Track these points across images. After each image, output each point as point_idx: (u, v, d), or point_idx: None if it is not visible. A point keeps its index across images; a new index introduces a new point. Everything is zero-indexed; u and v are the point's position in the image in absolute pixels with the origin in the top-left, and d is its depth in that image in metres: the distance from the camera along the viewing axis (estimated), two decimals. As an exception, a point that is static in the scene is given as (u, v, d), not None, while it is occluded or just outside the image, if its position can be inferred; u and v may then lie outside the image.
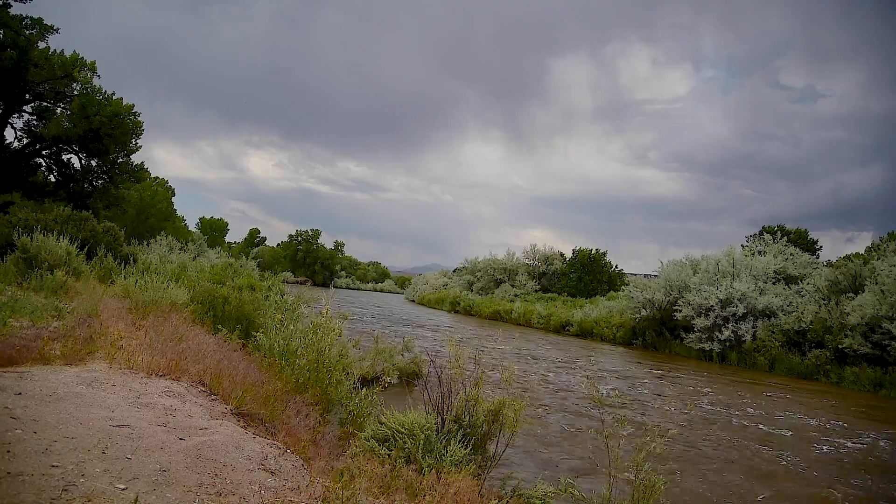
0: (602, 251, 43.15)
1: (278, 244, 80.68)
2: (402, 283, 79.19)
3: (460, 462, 4.58)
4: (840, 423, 11.35)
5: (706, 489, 6.84)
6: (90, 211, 19.73)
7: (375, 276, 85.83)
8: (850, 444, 9.60)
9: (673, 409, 11.41)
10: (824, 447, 9.29)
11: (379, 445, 4.75)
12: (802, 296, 20.90)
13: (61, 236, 12.04)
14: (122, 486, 2.96)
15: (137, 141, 22.32)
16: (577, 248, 44.32)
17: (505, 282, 43.83)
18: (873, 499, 7.07)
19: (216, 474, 3.38)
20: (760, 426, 10.48)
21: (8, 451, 3.08)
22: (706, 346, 20.97)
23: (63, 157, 22.67)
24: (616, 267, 43.49)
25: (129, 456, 3.33)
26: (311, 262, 75.82)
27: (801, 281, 22.37)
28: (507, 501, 4.36)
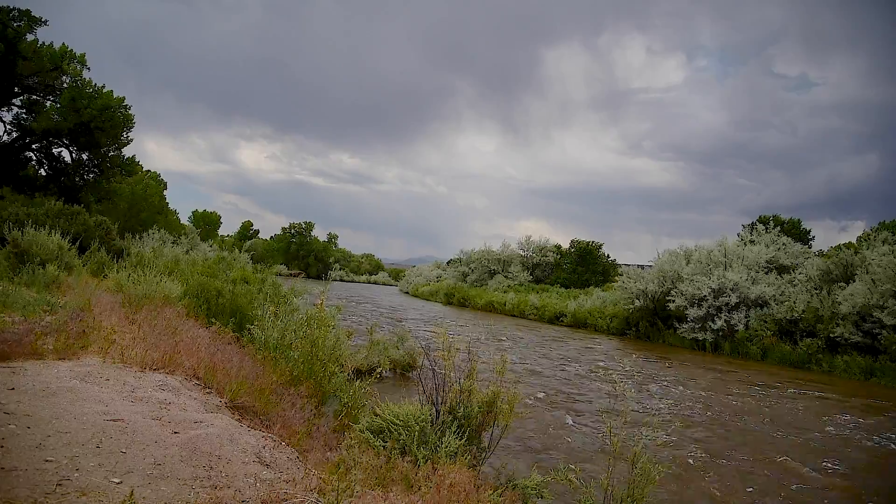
0: (598, 243, 43.32)
1: (271, 237, 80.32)
2: (396, 275, 79.03)
3: (455, 453, 4.60)
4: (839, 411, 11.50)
5: (700, 471, 6.92)
6: (82, 205, 19.63)
7: (369, 268, 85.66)
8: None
9: (666, 396, 11.50)
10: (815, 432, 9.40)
11: (374, 437, 4.77)
12: (794, 285, 21.03)
13: (53, 230, 11.96)
14: (117, 480, 2.97)
15: (128, 134, 22.18)
16: (575, 239, 44.47)
17: (499, 273, 43.84)
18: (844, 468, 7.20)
19: (211, 467, 3.38)
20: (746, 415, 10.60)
21: (1, 447, 3.07)
22: (699, 335, 21.09)
23: (53, 150, 22.52)
24: (610, 258, 43.64)
25: (123, 450, 3.33)
26: (304, 254, 75.56)
27: (793, 270, 22.50)
28: (503, 492, 4.39)
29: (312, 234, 78.35)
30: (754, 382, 14.36)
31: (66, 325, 6.29)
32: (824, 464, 7.84)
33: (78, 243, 12.62)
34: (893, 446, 9.08)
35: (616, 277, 30.48)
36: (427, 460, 4.43)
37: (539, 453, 7.31)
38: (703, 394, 12.32)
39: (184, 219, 51.15)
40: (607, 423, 4.77)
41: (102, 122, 20.65)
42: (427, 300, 44.05)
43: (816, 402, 12.46)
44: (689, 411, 10.54)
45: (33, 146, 22.25)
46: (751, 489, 6.68)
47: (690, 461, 7.49)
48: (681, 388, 12.86)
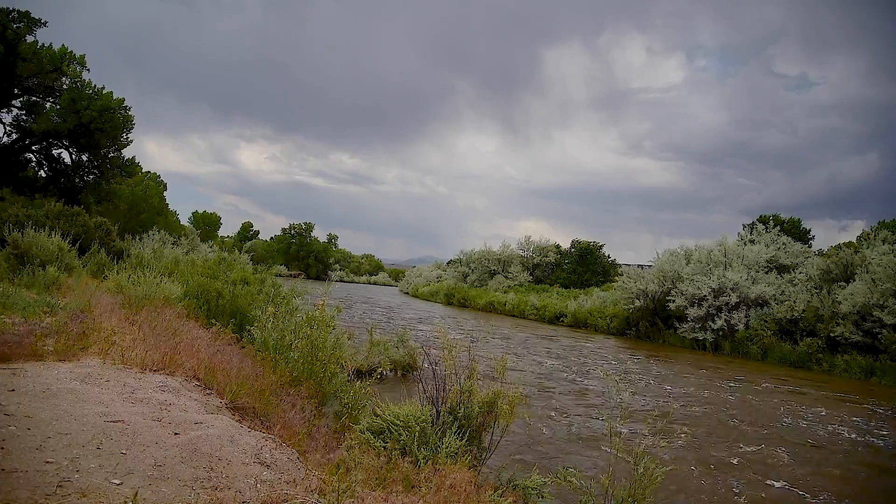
0: (599, 243, 43.40)
1: (271, 238, 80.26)
2: (397, 275, 79.07)
3: (456, 453, 4.60)
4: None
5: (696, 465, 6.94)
6: (82, 206, 19.63)
7: (369, 268, 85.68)
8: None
9: (642, 392, 11.53)
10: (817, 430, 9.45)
11: (374, 438, 4.76)
12: (794, 285, 21.02)
13: (53, 232, 11.96)
14: (118, 482, 2.97)
15: (128, 135, 22.19)
16: (575, 239, 44.56)
17: (499, 273, 43.85)
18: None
19: (212, 468, 3.38)
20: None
21: (2, 448, 3.07)
22: (699, 335, 21.09)
23: (53, 152, 22.53)
24: (610, 258, 43.68)
25: (123, 451, 3.32)
26: (304, 255, 75.50)
27: (793, 270, 22.50)
28: (503, 492, 4.38)
29: (312, 234, 78.35)
30: (733, 378, 14.83)
31: (67, 326, 6.29)
32: (762, 446, 8.47)
33: (78, 245, 12.62)
34: (846, 434, 9.60)
35: (616, 277, 30.48)
36: (428, 461, 4.43)
37: (540, 452, 7.32)
38: (671, 388, 12.71)
39: (184, 220, 51.24)
40: (608, 424, 4.77)
41: (102, 124, 20.65)
42: (427, 300, 44.04)
43: (783, 395, 12.92)
44: (653, 403, 10.85)
45: (33, 147, 22.26)
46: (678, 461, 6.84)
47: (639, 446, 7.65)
48: (651, 382, 13.27)
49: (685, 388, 12.87)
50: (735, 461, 7.63)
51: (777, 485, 6.80)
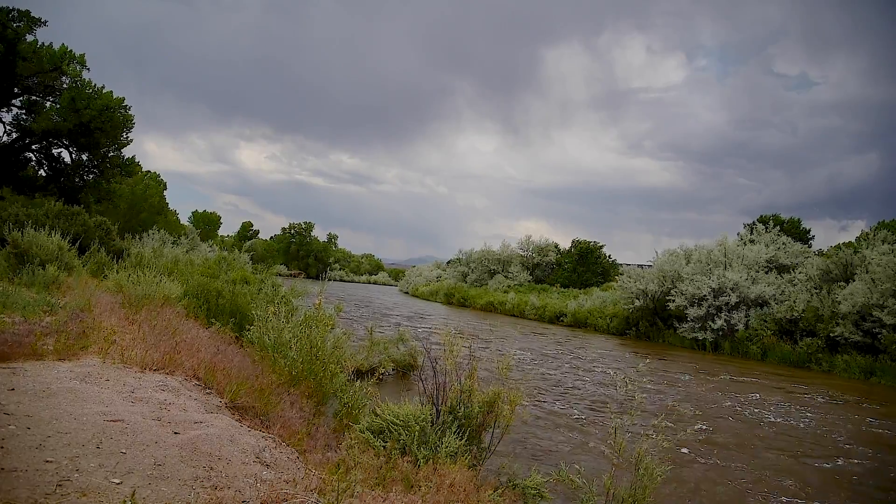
0: (599, 244, 43.38)
1: (271, 237, 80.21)
2: (396, 275, 79.02)
3: (456, 453, 4.60)
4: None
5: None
6: (81, 205, 19.61)
7: (369, 268, 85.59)
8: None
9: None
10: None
11: (374, 437, 4.76)
12: (794, 285, 21.02)
13: (53, 231, 11.93)
14: (117, 481, 2.96)
15: (128, 134, 22.15)
16: (576, 239, 44.54)
17: (499, 273, 43.83)
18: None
19: (211, 468, 3.38)
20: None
21: (1, 447, 3.06)
22: (699, 335, 21.09)
23: (53, 151, 22.48)
24: (610, 257, 43.67)
25: (123, 450, 3.32)
26: (304, 254, 75.49)
27: (793, 270, 22.49)
28: (503, 492, 4.38)
29: (312, 234, 78.33)
30: (703, 371, 15.58)
31: (66, 325, 6.29)
32: (700, 424, 9.42)
33: (78, 244, 12.59)
34: (772, 418, 10.55)
35: (616, 277, 30.46)
36: (427, 460, 4.43)
37: (540, 451, 7.33)
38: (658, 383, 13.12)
39: (184, 219, 51.22)
40: (612, 423, 4.77)
41: (102, 123, 20.62)
42: (427, 300, 44.00)
43: (740, 385, 13.71)
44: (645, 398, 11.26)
45: (33, 147, 22.22)
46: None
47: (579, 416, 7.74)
48: (619, 372, 13.70)
49: (669, 384, 13.25)
50: (673, 442, 8.50)
51: (683, 450, 8.01)
